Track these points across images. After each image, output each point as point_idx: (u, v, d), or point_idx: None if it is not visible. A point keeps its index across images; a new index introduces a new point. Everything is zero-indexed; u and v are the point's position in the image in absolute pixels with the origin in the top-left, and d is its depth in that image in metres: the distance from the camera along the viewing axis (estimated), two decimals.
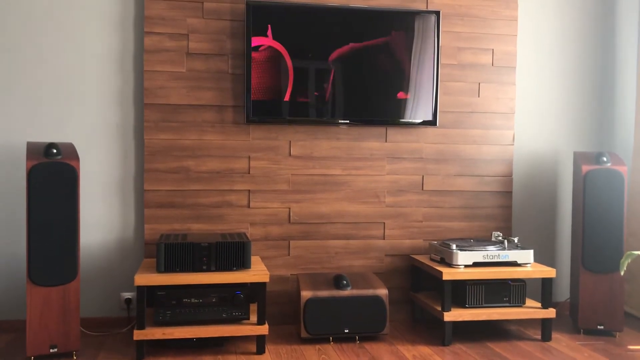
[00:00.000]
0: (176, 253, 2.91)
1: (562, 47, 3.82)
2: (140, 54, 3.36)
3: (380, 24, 3.40)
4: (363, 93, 3.41)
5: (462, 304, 3.21)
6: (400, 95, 3.45)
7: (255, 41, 3.28)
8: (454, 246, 3.21)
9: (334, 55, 3.33)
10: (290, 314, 3.49)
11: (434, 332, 3.37)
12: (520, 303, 3.24)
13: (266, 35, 3.26)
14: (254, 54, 3.28)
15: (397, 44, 3.40)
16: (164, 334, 2.86)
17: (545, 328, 3.23)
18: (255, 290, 3.09)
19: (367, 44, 3.37)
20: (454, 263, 3.17)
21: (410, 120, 3.49)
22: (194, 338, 2.97)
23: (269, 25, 3.26)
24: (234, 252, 2.96)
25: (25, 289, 3.28)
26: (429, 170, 3.60)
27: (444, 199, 3.63)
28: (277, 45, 3.27)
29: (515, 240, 3.34)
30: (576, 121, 3.85)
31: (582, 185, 3.30)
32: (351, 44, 3.32)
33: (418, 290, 3.56)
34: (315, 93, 3.35)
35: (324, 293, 3.14)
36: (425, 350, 3.06)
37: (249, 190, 3.42)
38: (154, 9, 3.29)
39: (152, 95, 3.30)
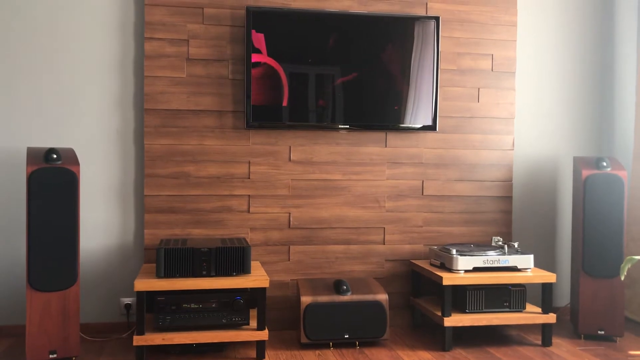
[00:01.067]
0: (176, 258, 2.91)
1: (561, 52, 3.82)
2: (141, 59, 3.36)
3: (378, 34, 3.41)
4: (362, 109, 3.42)
5: (462, 309, 3.21)
6: (397, 108, 3.47)
7: (254, 58, 3.29)
8: (454, 251, 3.20)
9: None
10: (290, 319, 3.49)
11: (435, 337, 3.37)
12: (520, 308, 3.24)
13: (261, 52, 3.28)
14: (252, 70, 3.29)
15: (393, 61, 3.41)
16: (163, 339, 2.86)
17: (546, 333, 3.23)
18: (255, 296, 3.08)
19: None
20: (454, 268, 3.17)
21: (410, 125, 3.49)
22: (193, 343, 2.97)
23: (264, 40, 3.27)
24: (234, 258, 2.96)
25: (25, 294, 3.28)
26: (428, 175, 3.60)
27: (444, 204, 3.63)
28: (273, 63, 3.28)
29: (516, 245, 3.34)
30: (576, 126, 3.86)
31: (582, 190, 3.30)
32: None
33: (418, 296, 3.56)
34: (315, 107, 3.38)
35: (324, 298, 3.14)
36: (425, 355, 3.06)
37: (249, 195, 3.42)
38: (154, 15, 3.29)
39: (153, 101, 3.31)
